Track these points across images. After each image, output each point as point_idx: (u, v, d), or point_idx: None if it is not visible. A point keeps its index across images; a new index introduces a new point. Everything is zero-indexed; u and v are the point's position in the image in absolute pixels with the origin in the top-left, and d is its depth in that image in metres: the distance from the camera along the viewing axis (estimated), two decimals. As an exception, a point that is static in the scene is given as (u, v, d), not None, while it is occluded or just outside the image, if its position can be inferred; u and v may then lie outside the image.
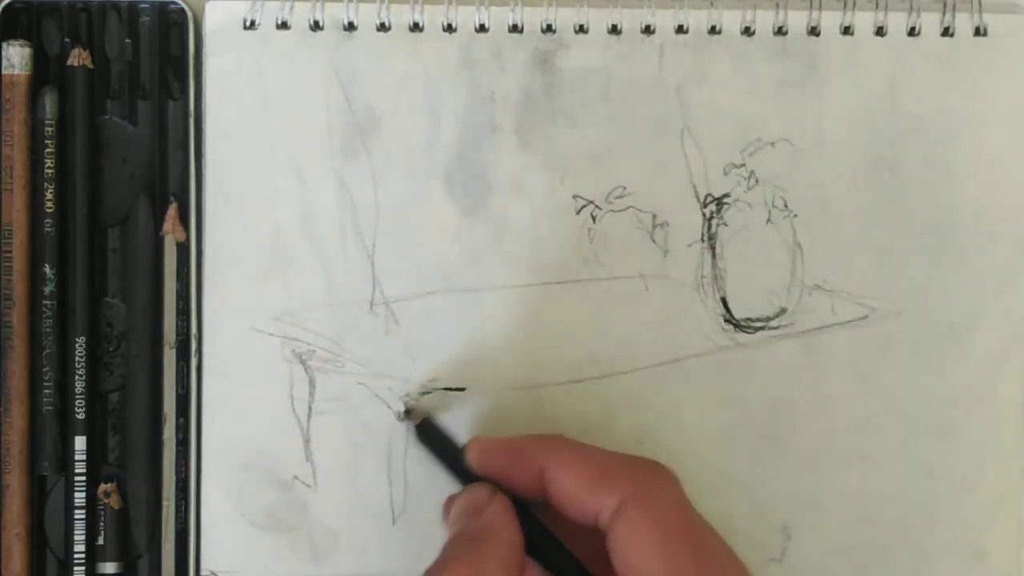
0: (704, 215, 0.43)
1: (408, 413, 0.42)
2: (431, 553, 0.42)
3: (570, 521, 0.36)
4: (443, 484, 0.42)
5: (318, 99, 0.42)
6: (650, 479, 0.35)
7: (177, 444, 0.42)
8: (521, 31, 0.43)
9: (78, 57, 0.42)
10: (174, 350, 0.42)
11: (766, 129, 0.43)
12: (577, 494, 0.35)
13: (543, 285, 0.43)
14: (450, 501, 0.39)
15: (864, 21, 0.43)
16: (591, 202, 0.43)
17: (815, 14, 0.43)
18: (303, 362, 0.42)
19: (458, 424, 0.42)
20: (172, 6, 0.43)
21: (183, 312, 0.42)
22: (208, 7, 0.42)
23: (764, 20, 0.43)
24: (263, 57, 0.42)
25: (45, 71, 0.42)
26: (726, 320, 0.43)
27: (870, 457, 0.43)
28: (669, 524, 0.33)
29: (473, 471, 0.38)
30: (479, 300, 0.43)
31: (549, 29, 0.43)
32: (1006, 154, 0.43)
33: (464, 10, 0.42)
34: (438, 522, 0.42)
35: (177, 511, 0.42)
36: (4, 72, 0.42)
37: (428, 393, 0.42)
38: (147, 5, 0.43)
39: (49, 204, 0.42)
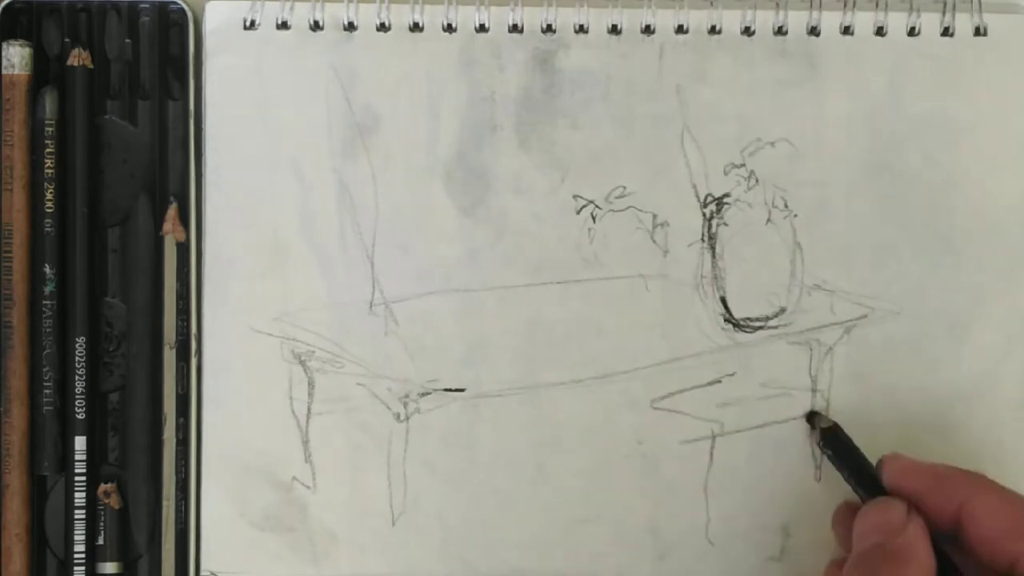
0: (704, 215, 0.43)
1: (813, 416, 0.42)
2: (431, 553, 0.42)
3: (978, 560, 0.35)
4: (444, 487, 0.42)
5: (318, 99, 0.42)
6: None
7: (177, 444, 0.42)
8: (521, 31, 0.42)
9: (78, 57, 0.42)
10: (174, 350, 0.42)
11: (766, 129, 0.43)
12: (999, 539, 0.35)
13: (543, 285, 0.43)
14: (847, 509, 0.39)
15: (864, 21, 0.43)
16: (591, 202, 0.43)
17: (815, 14, 0.43)
18: (302, 363, 0.42)
19: (458, 424, 0.42)
20: (172, 6, 0.43)
21: (183, 312, 0.42)
22: (208, 7, 0.42)
23: (764, 20, 0.43)
24: (263, 57, 0.42)
25: (45, 71, 0.42)
26: (726, 320, 0.43)
27: (869, 457, 0.43)
28: None
29: (885, 487, 0.38)
30: (479, 300, 0.43)
31: (549, 29, 0.43)
32: (1006, 154, 0.43)
33: (464, 10, 0.42)
34: (438, 523, 0.42)
35: (177, 511, 0.42)
36: (4, 72, 0.42)
37: (428, 394, 0.42)
38: (147, 5, 0.43)
39: (49, 204, 0.42)
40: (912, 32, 0.43)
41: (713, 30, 0.43)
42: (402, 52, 0.42)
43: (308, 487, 0.42)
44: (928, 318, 0.43)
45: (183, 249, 0.42)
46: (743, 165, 0.43)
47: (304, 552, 0.42)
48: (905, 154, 0.43)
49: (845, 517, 0.39)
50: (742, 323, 0.43)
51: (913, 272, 0.43)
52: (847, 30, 0.43)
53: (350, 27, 0.42)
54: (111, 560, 0.42)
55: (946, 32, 0.43)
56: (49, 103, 0.42)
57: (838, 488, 0.41)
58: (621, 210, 0.43)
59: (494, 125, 0.43)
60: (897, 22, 0.43)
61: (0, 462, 0.42)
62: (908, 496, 0.37)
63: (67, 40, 0.42)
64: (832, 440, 0.41)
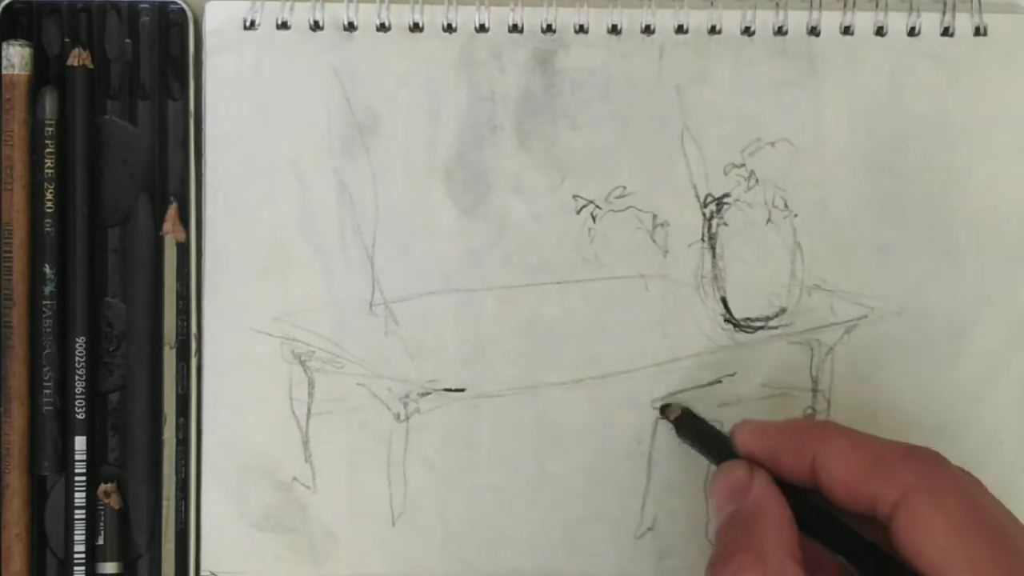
0: (704, 215, 0.43)
1: (665, 409, 0.42)
2: (431, 553, 0.42)
3: (840, 507, 0.35)
4: (444, 487, 0.42)
5: (318, 99, 0.42)
6: (933, 468, 0.34)
7: (177, 444, 0.42)
8: (521, 31, 0.42)
9: (78, 57, 0.42)
10: (174, 350, 0.42)
11: (766, 129, 0.43)
12: (853, 483, 0.34)
13: (543, 285, 0.43)
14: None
15: (864, 21, 0.43)
16: (591, 202, 0.43)
17: (815, 14, 0.43)
18: (302, 363, 0.42)
19: (458, 424, 0.42)
20: (172, 6, 0.43)
21: (183, 312, 0.42)
22: (208, 7, 0.42)
23: (764, 20, 0.43)
24: (263, 57, 0.42)
25: (45, 71, 0.42)
26: (726, 320, 0.43)
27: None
28: (959, 512, 0.33)
29: (740, 455, 0.37)
30: (479, 300, 0.43)
31: (549, 29, 0.43)
32: (1006, 154, 0.43)
33: (464, 10, 0.42)
34: (438, 523, 0.42)
35: (177, 511, 0.42)
36: (4, 72, 0.42)
37: (428, 394, 0.42)
38: (147, 5, 0.43)
39: (49, 204, 0.42)
40: (912, 32, 0.43)
41: (713, 30, 0.43)
42: (402, 52, 0.42)
43: (308, 487, 0.42)
44: (928, 318, 0.43)
45: (183, 249, 0.42)
46: (743, 165, 0.43)
47: (304, 552, 0.42)
48: (905, 154, 0.43)
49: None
50: (742, 323, 0.43)
51: (913, 272, 0.43)
52: (847, 30, 0.43)
53: (350, 27, 0.42)
54: (111, 560, 0.42)
55: (946, 32, 0.43)
56: (49, 103, 0.42)
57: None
58: (621, 210, 0.43)
59: (494, 125, 0.43)
60: (897, 22, 0.43)
61: (0, 462, 0.42)
62: (762, 458, 0.37)
63: (67, 40, 0.42)
64: (687, 427, 0.41)
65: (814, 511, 0.35)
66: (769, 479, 0.36)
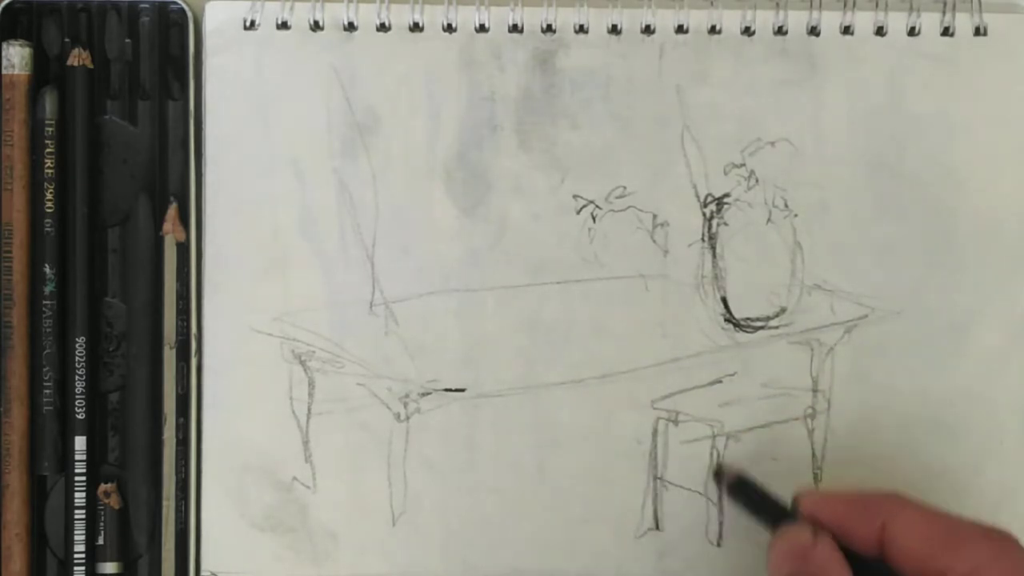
0: (704, 215, 0.43)
1: (719, 470, 0.42)
2: (431, 553, 0.42)
3: None
4: (444, 487, 0.42)
5: (318, 99, 0.42)
6: (1003, 546, 0.35)
7: (177, 444, 0.42)
8: (521, 31, 0.42)
9: (78, 57, 0.42)
10: (174, 350, 0.42)
11: (766, 129, 0.43)
12: (923, 556, 0.35)
13: (543, 285, 0.43)
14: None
15: (864, 21, 0.43)
16: (591, 202, 0.43)
17: (815, 14, 0.43)
18: (303, 363, 0.42)
19: (458, 424, 0.42)
20: (172, 6, 0.43)
21: (183, 312, 0.42)
22: (208, 7, 0.42)
23: (764, 20, 0.43)
24: (263, 57, 0.42)
25: (45, 71, 0.42)
26: (726, 320, 0.43)
27: (870, 457, 0.43)
28: None
29: (800, 520, 0.37)
30: (479, 300, 0.43)
31: (549, 29, 0.43)
32: (1006, 154, 0.43)
33: (464, 10, 0.42)
34: (438, 523, 0.42)
35: (177, 511, 0.42)
36: (4, 72, 0.42)
37: (428, 394, 0.42)
38: (147, 5, 0.43)
39: (49, 204, 0.42)
40: (912, 32, 0.43)
41: (713, 30, 0.43)
42: (402, 52, 0.42)
43: (308, 487, 0.42)
44: (928, 318, 0.43)
45: (183, 249, 0.42)
46: (743, 165, 0.43)
47: (304, 552, 0.42)
48: (905, 154, 0.43)
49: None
50: (742, 323, 0.43)
51: (913, 272, 0.43)
52: (847, 30, 0.43)
53: (350, 27, 0.42)
54: (111, 560, 0.42)
55: (946, 32, 0.43)
56: (49, 103, 0.42)
57: (838, 487, 0.41)
58: (621, 210, 0.43)
59: (494, 125, 0.43)
60: (897, 22, 0.43)
61: (0, 462, 0.42)
62: (828, 528, 0.37)
63: (67, 40, 0.42)
64: (741, 490, 0.40)
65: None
66: (834, 544, 0.36)
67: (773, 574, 0.37)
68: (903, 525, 0.35)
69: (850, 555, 0.36)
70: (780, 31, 0.43)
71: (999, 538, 0.35)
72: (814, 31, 0.43)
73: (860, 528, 0.36)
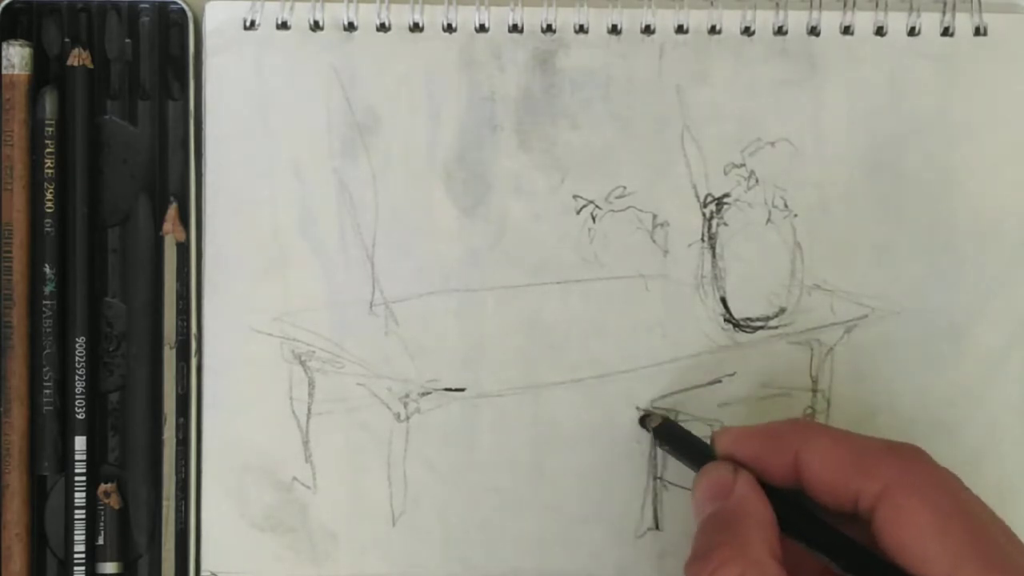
0: (704, 215, 0.43)
1: (645, 419, 0.42)
2: (431, 553, 0.42)
3: (824, 507, 0.35)
4: (444, 486, 0.42)
5: (318, 99, 0.42)
6: (914, 463, 0.35)
7: (177, 444, 0.42)
8: (521, 31, 0.42)
9: (78, 57, 0.42)
10: (174, 350, 0.42)
11: (766, 129, 0.43)
12: (835, 479, 0.35)
13: (543, 285, 0.43)
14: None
15: (864, 21, 0.43)
16: (591, 202, 0.43)
17: (815, 14, 0.43)
18: (303, 363, 0.42)
19: (458, 424, 0.42)
20: (172, 6, 0.43)
21: (183, 312, 0.42)
22: (208, 7, 0.42)
23: (764, 20, 0.43)
24: (263, 57, 0.42)
25: (45, 71, 0.42)
26: (726, 320, 0.43)
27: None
28: (941, 504, 0.33)
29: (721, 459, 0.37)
30: (479, 300, 0.43)
31: (549, 29, 0.43)
32: (1006, 154, 0.43)
33: (464, 10, 0.42)
34: (438, 523, 0.42)
35: (177, 511, 0.42)
36: (4, 72, 0.42)
37: (428, 393, 0.42)
38: (147, 5, 0.43)
39: (49, 204, 0.42)
40: (912, 32, 0.43)
41: (713, 30, 0.43)
42: (402, 52, 0.42)
43: (308, 487, 0.42)
44: (928, 318, 0.43)
45: (183, 249, 0.42)
46: (743, 165, 0.43)
47: (304, 552, 0.42)
48: (905, 154, 0.43)
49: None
50: (742, 323, 0.43)
51: (913, 272, 0.43)
52: (847, 30, 0.43)
53: (350, 27, 0.42)
54: (111, 560, 0.42)
55: (946, 32, 0.43)
56: (49, 103, 0.42)
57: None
58: (621, 210, 0.43)
59: (494, 125, 0.43)
60: (897, 22, 0.43)
61: (0, 462, 0.42)
62: (745, 461, 0.36)
63: (67, 40, 0.42)
64: (667, 435, 0.41)
65: (797, 512, 0.35)
66: (753, 479, 0.36)
67: (696, 513, 0.36)
68: (813, 453, 0.35)
69: (771, 490, 0.36)
70: (780, 31, 0.43)
71: (907, 454, 0.35)
72: (814, 31, 0.43)
73: (775, 461, 0.36)
